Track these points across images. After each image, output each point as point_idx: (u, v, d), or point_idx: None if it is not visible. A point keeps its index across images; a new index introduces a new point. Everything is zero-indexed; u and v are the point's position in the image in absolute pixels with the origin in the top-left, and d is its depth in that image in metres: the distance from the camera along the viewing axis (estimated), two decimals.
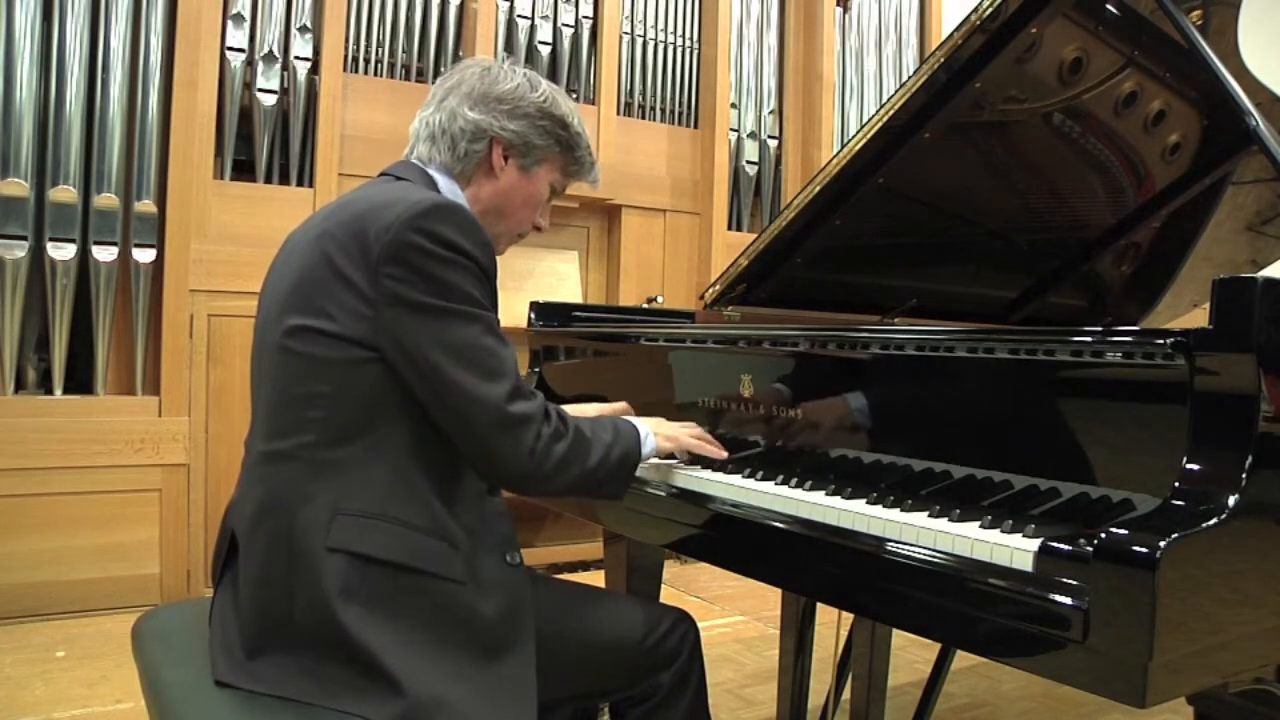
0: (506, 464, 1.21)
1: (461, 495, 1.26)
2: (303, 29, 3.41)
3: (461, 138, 1.36)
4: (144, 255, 3.14)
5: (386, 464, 1.19)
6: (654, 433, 1.45)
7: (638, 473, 1.43)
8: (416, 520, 1.19)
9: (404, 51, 3.67)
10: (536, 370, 2.14)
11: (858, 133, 1.79)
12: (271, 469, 1.21)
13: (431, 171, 1.37)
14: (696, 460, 1.55)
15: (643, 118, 4.20)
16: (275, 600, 1.18)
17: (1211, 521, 0.93)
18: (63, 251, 3.01)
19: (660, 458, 1.51)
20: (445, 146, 1.37)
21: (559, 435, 1.25)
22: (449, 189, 1.36)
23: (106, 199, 3.07)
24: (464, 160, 1.37)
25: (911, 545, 1.13)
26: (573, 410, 1.62)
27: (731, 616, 3.33)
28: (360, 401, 1.19)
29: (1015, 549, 1.02)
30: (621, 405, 1.67)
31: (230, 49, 3.30)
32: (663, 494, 1.52)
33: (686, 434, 1.52)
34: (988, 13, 1.62)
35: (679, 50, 4.27)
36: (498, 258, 1.35)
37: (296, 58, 3.40)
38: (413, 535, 1.19)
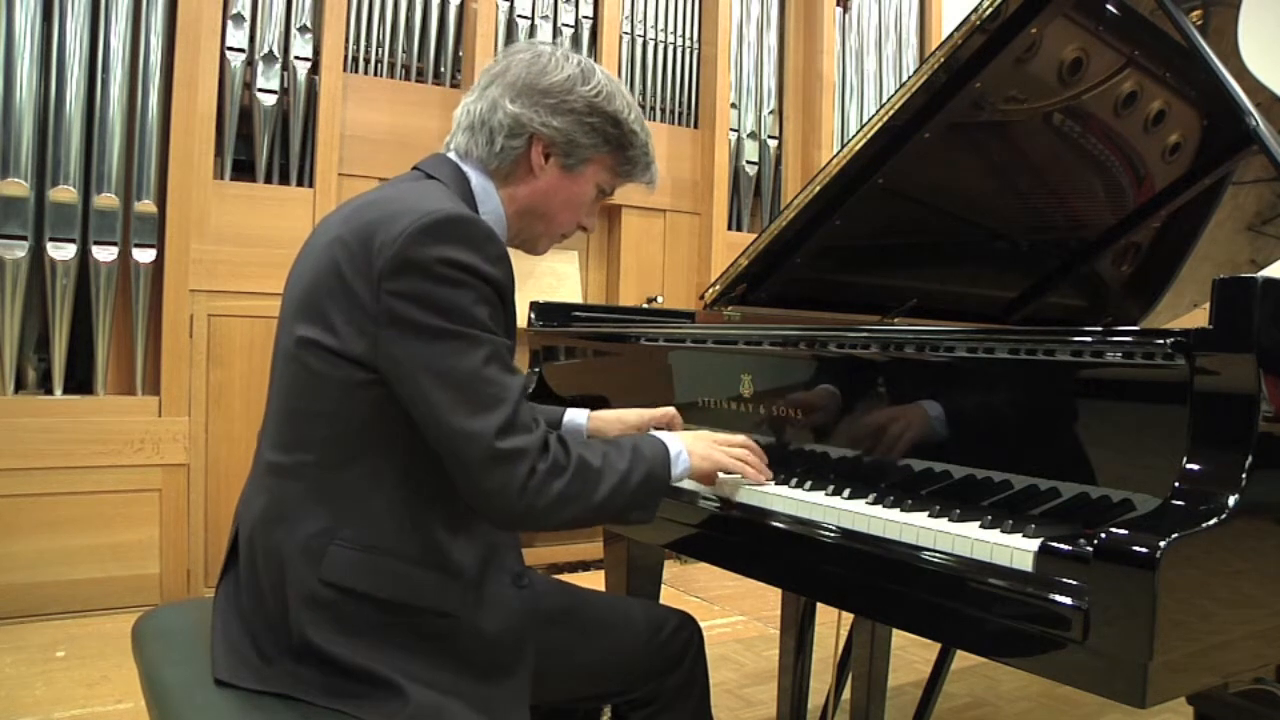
0: (495, 501, 1.12)
1: (470, 519, 1.21)
2: (303, 29, 3.41)
3: (500, 132, 1.27)
4: (144, 255, 3.14)
5: (387, 491, 1.16)
6: (689, 451, 1.32)
7: None
8: (413, 552, 1.16)
9: (404, 51, 3.67)
10: (536, 370, 2.14)
11: (858, 133, 1.79)
12: (275, 481, 1.20)
13: (466, 167, 1.30)
14: None
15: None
16: (273, 611, 1.18)
17: (1211, 521, 0.93)
18: (63, 251, 3.01)
19: (696, 479, 1.38)
20: (483, 140, 1.28)
21: (557, 470, 1.15)
22: (483, 188, 1.29)
23: (106, 199, 3.07)
24: (500, 156, 1.28)
25: (911, 545, 1.13)
26: (612, 416, 1.59)
27: (731, 616, 3.33)
28: (361, 424, 1.15)
29: (1015, 549, 1.02)
30: (668, 411, 1.55)
31: (230, 49, 3.29)
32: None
33: (728, 454, 1.38)
34: (988, 13, 1.62)
35: (679, 50, 4.27)
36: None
37: (296, 58, 3.40)
38: (408, 570, 1.16)
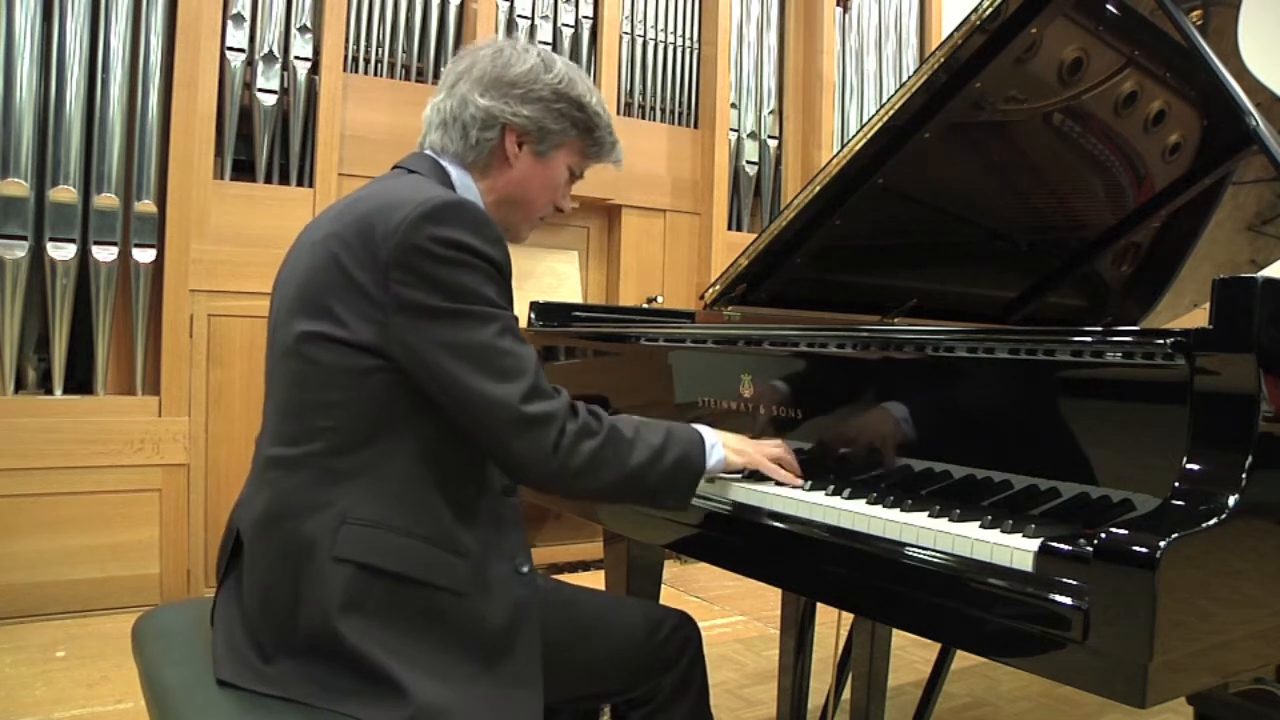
0: (528, 465, 1.17)
1: (475, 504, 1.23)
2: (303, 29, 3.41)
3: (473, 125, 1.31)
4: (144, 255, 3.14)
5: (396, 473, 1.17)
6: (724, 444, 1.35)
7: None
8: (423, 531, 1.18)
9: (404, 51, 3.67)
10: None
11: (858, 133, 1.79)
12: (280, 474, 1.20)
13: (444, 162, 1.33)
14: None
15: (643, 118, 4.20)
16: (280, 606, 1.17)
17: (1211, 521, 0.93)
18: (63, 251, 3.01)
19: (729, 473, 1.39)
20: (457, 135, 1.32)
21: (588, 432, 1.20)
22: (462, 181, 1.33)
23: (106, 199, 3.07)
24: (476, 149, 1.32)
25: (911, 545, 1.13)
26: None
27: (731, 616, 3.33)
28: (371, 411, 1.17)
29: (1015, 549, 1.02)
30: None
31: (230, 49, 3.30)
32: None
33: (763, 454, 1.39)
34: (988, 13, 1.62)
35: (679, 50, 4.27)
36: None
37: (296, 58, 3.40)
38: (419, 546, 1.17)
